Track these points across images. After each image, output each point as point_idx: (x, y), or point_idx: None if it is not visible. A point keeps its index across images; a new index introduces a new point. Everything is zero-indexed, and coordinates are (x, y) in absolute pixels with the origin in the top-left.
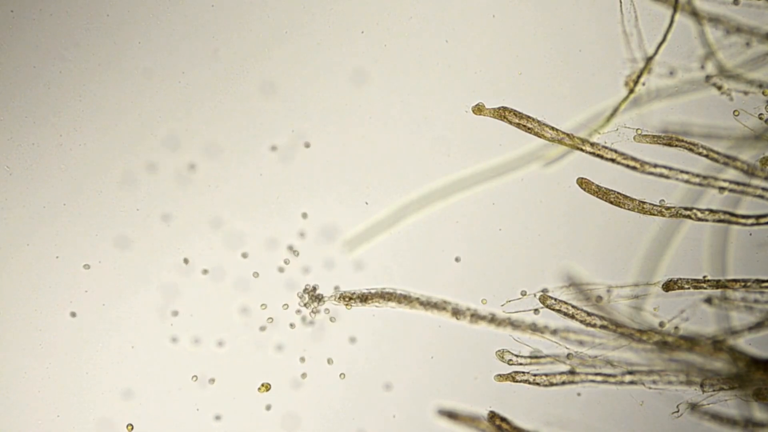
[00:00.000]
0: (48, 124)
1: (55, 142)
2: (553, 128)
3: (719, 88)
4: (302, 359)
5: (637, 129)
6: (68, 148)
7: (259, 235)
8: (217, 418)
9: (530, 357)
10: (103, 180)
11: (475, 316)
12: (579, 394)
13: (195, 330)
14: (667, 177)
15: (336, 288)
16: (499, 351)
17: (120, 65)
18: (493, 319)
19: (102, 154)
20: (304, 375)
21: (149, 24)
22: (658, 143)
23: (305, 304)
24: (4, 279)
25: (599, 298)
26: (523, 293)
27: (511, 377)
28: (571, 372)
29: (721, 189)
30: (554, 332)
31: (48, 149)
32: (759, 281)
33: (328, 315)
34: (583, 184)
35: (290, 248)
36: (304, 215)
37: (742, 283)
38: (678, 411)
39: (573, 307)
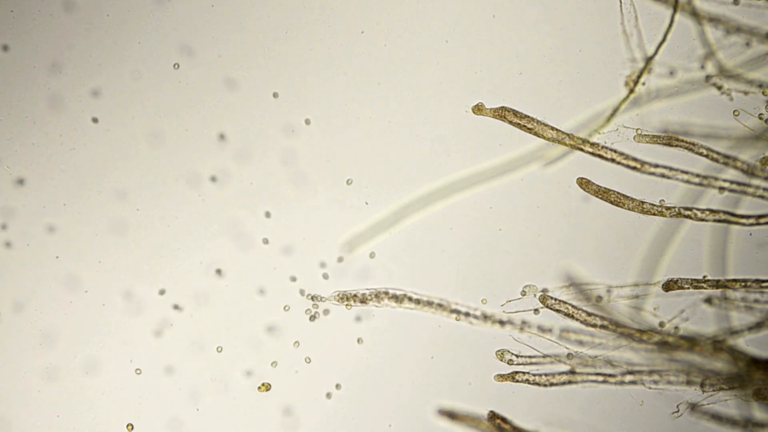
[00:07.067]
0: (48, 124)
1: (55, 141)
2: (553, 128)
3: (719, 88)
4: (302, 359)
5: (637, 129)
6: (68, 148)
7: (258, 236)
8: (217, 417)
9: (530, 357)
10: (103, 180)
11: (475, 316)
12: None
13: (195, 330)
14: (667, 177)
15: (335, 288)
16: (499, 351)
17: (120, 65)
18: (493, 319)
19: (102, 154)
20: (304, 375)
21: (149, 24)
22: (658, 143)
23: (306, 305)
24: (4, 279)
25: (599, 298)
26: (524, 293)
27: (511, 377)
28: (571, 372)
29: (721, 189)
30: (552, 332)
31: (48, 149)
32: (759, 281)
33: (328, 315)
34: (583, 184)
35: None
36: (304, 215)
37: (742, 283)
38: (678, 411)
39: (573, 307)
